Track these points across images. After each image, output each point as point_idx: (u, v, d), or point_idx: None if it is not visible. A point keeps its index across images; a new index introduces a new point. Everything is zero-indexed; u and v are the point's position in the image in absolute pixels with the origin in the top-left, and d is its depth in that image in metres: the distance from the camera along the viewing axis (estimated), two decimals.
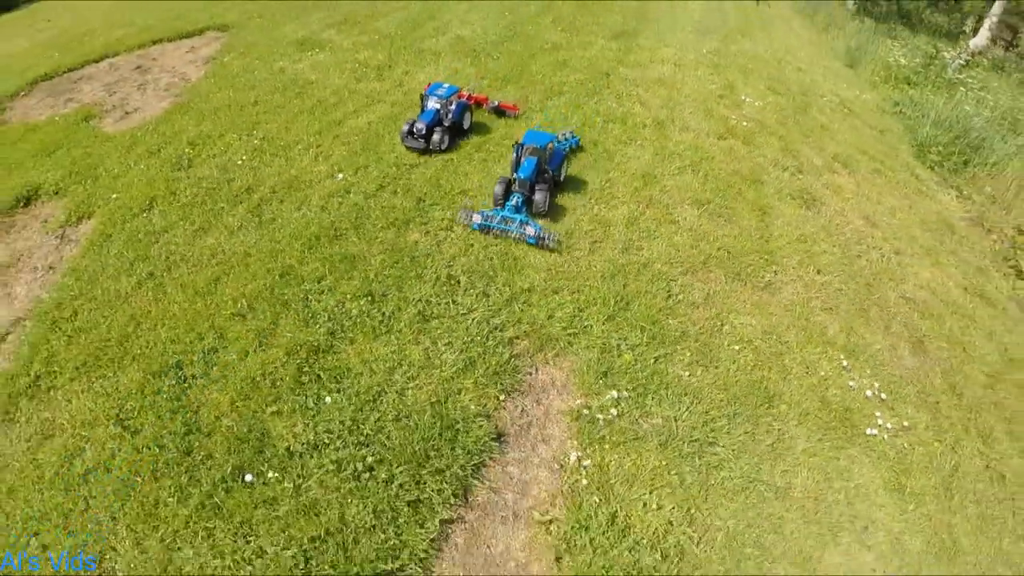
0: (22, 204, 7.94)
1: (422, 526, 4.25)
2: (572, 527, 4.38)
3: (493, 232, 6.65)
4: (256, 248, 6.56)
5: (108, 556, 4.12)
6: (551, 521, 4.42)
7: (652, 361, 5.68)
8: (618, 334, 5.89)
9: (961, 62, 16.92)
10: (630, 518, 4.47)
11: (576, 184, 8.13)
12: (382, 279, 6.19)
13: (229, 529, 4.23)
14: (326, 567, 4.01)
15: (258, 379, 5.14)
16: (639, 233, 7.40)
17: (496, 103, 9.52)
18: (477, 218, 6.59)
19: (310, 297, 5.94)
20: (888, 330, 6.94)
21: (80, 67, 11.91)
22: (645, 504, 4.58)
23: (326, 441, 4.68)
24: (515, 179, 6.84)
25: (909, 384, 6.32)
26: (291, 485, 4.42)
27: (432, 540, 4.22)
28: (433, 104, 8.23)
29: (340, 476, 4.47)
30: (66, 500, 4.43)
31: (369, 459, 4.55)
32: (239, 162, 8.17)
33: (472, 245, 6.75)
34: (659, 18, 17.53)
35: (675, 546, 4.38)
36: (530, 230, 6.40)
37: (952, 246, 9.19)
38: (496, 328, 5.76)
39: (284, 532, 4.19)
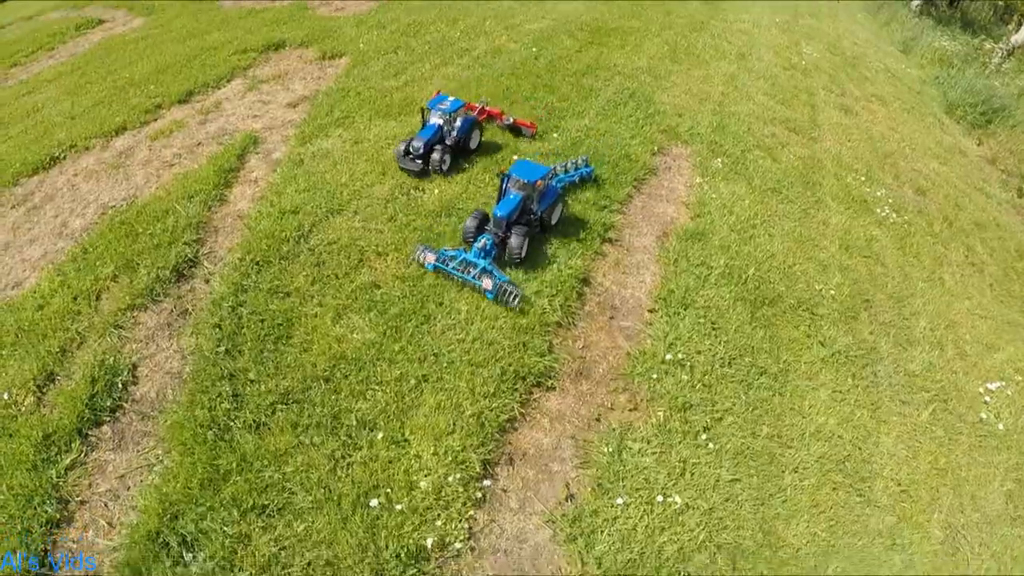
0: (274, 48, 10.71)
1: (619, 189, 7.30)
2: (700, 205, 7.41)
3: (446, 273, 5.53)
4: (484, 75, 9.72)
5: None
6: (688, 203, 7.49)
7: (739, 152, 8.72)
8: (718, 139, 8.95)
9: (1003, 53, 18.99)
10: (732, 208, 7.48)
11: (684, 75, 11.22)
12: (570, 96, 9.35)
13: None
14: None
15: (507, 132, 8.27)
16: (727, 101, 10.44)
17: (511, 119, 8.13)
18: (431, 257, 5.48)
19: (527, 98, 9.12)
20: (898, 179, 9.82)
21: None
22: (739, 205, 7.60)
23: (557, 153, 7.82)
24: (492, 216, 5.71)
25: (911, 205, 9.17)
26: None
27: (624, 197, 7.25)
28: (435, 119, 7.13)
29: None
30: (380, 166, 7.17)
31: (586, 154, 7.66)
32: (455, 36, 11.37)
33: (623, 89, 9.95)
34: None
35: (759, 224, 7.34)
36: (487, 283, 5.17)
37: (962, 162, 11.91)
38: (644, 125, 8.87)
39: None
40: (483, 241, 5.52)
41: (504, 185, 5.91)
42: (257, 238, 6.05)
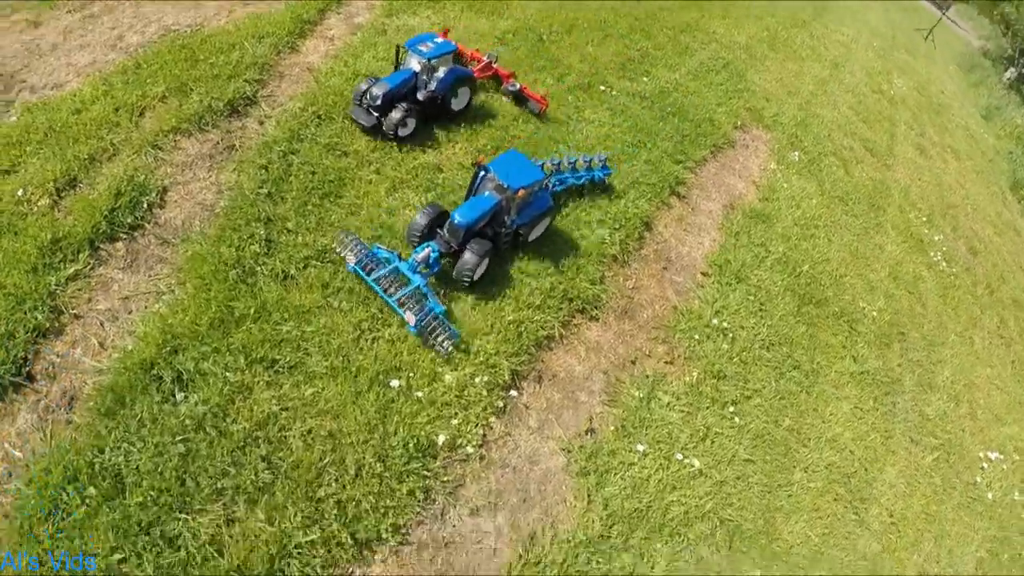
0: None
1: (697, 150, 6.93)
2: (770, 190, 7.05)
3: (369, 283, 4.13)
4: (584, 2, 9.19)
5: None
6: (759, 185, 7.10)
7: (817, 153, 8.29)
8: (800, 134, 8.49)
9: None
10: (800, 203, 7.10)
11: (779, 64, 10.64)
12: (665, 46, 8.83)
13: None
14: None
15: (598, 60, 7.80)
16: (815, 102, 9.92)
17: (518, 86, 6.36)
18: (351, 258, 4.15)
19: (623, 35, 8.60)
20: (956, 231, 9.40)
21: None
22: (807, 202, 7.22)
23: (644, 96, 7.38)
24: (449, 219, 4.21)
25: (962, 260, 8.78)
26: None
27: (700, 159, 6.88)
28: (412, 63, 5.28)
29: (651, 114, 7.17)
30: None
31: (661, 121, 7.25)
32: None
33: (718, 58, 9.44)
34: (840, 11, 19.49)
35: (821, 226, 7.02)
36: (410, 316, 3.86)
37: (1015, 240, 11.39)
38: (732, 97, 8.40)
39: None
40: (426, 251, 4.08)
41: (477, 180, 4.34)
42: (324, 93, 5.61)
